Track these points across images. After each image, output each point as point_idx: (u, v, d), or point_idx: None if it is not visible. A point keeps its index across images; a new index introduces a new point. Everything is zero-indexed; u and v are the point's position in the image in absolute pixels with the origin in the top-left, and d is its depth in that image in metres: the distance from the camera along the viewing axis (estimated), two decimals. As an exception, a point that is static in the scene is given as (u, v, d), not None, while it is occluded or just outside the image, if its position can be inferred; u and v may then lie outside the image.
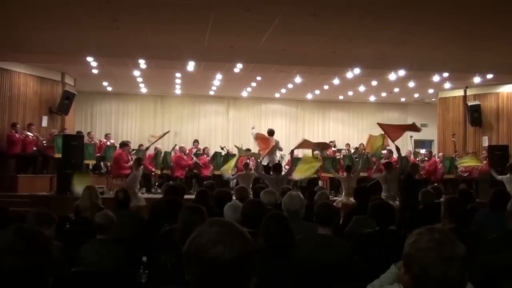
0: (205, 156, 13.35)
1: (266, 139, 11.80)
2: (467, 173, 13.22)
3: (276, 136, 12.55)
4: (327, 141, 15.98)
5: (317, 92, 16.91)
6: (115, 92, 17.56)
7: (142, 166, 10.52)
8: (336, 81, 14.22)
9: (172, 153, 13.16)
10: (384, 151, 13.74)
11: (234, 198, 5.94)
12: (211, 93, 17.44)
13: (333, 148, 14.78)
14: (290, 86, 15.67)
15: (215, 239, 1.41)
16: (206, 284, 1.41)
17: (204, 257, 1.39)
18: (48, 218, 3.95)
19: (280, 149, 12.51)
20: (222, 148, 13.79)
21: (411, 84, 14.51)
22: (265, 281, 1.94)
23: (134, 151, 12.69)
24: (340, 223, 5.73)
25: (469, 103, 14.93)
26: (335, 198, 11.28)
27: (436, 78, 13.30)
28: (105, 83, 16.25)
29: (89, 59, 11.65)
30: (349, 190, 9.90)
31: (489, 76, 13.09)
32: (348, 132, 18.84)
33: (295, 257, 3.41)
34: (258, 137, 11.80)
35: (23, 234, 1.51)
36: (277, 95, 17.83)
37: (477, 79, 13.71)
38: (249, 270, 1.44)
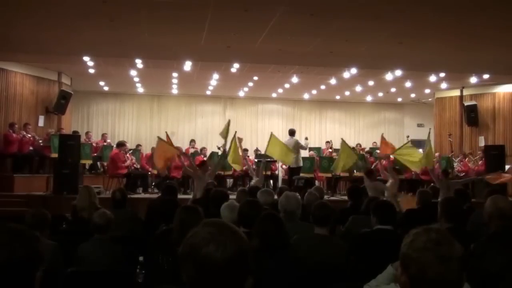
0: (202, 156, 13.34)
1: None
2: (464, 173, 13.26)
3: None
4: (325, 141, 16.03)
5: (314, 92, 16.92)
6: (111, 91, 17.53)
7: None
8: (333, 81, 14.24)
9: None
10: (378, 151, 13.73)
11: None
12: (208, 93, 17.43)
13: (329, 149, 14.78)
14: (287, 86, 15.67)
15: (208, 238, 1.41)
16: (200, 285, 1.41)
17: (196, 256, 1.39)
18: (42, 219, 3.96)
19: (304, 148, 12.56)
20: (219, 148, 13.76)
21: (408, 84, 14.54)
22: (261, 281, 1.94)
23: (131, 151, 12.67)
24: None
25: (466, 103, 14.97)
26: (332, 198, 11.29)
27: (432, 78, 13.34)
28: (101, 83, 16.22)
29: (86, 58, 11.63)
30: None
31: (486, 76, 13.13)
32: (345, 132, 18.83)
33: (291, 257, 3.41)
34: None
35: (7, 229, 1.52)
36: (274, 95, 17.83)
37: (473, 79, 13.75)
38: (244, 270, 1.44)
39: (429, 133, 10.98)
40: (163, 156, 9.54)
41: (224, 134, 10.20)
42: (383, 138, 11.00)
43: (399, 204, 8.89)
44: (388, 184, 9.91)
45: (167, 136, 9.72)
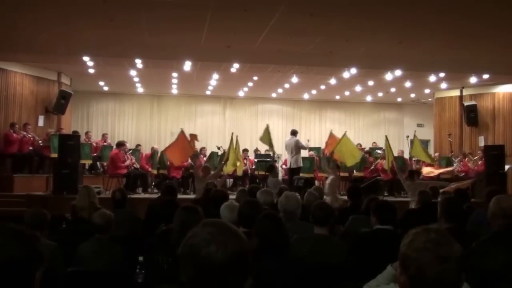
0: (201, 156, 13.34)
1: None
2: (463, 173, 13.26)
3: (272, 136, 12.56)
4: (324, 141, 16.03)
5: (314, 92, 16.91)
6: (111, 91, 17.52)
7: None
8: (332, 81, 14.23)
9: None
10: (380, 151, 13.73)
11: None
12: (208, 93, 17.42)
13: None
14: (286, 86, 15.67)
15: (208, 239, 1.41)
16: (200, 285, 1.40)
17: (197, 257, 1.39)
18: (41, 219, 3.96)
19: (304, 148, 12.66)
20: (218, 148, 13.77)
21: (408, 84, 14.54)
22: (260, 282, 1.93)
23: (131, 151, 12.67)
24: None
25: (465, 103, 14.96)
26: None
27: (432, 78, 13.33)
28: (101, 83, 16.21)
29: (86, 58, 11.61)
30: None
31: (485, 76, 13.12)
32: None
33: (291, 257, 3.41)
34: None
35: (7, 229, 1.52)
36: (273, 95, 17.83)
37: (473, 79, 13.75)
38: (244, 271, 1.43)
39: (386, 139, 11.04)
40: (182, 151, 9.50)
41: (266, 139, 10.15)
42: (331, 135, 11.57)
43: (338, 200, 8.94)
44: (328, 180, 9.94)
45: (182, 134, 9.46)
